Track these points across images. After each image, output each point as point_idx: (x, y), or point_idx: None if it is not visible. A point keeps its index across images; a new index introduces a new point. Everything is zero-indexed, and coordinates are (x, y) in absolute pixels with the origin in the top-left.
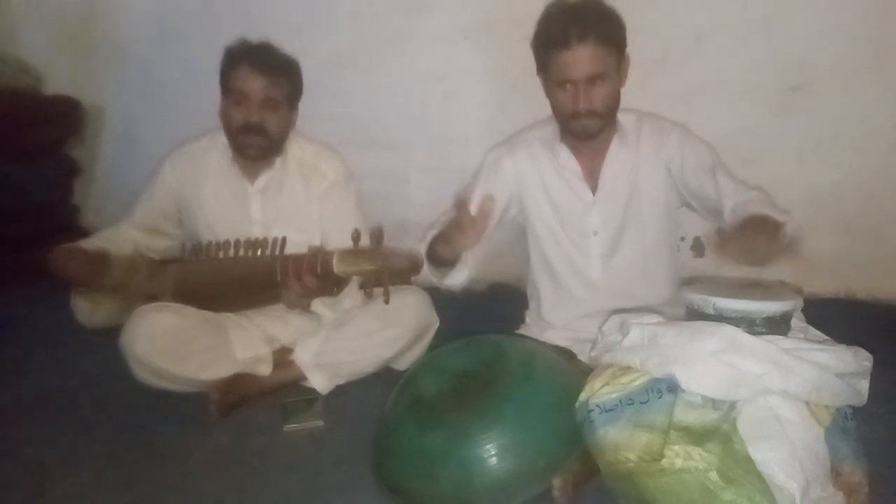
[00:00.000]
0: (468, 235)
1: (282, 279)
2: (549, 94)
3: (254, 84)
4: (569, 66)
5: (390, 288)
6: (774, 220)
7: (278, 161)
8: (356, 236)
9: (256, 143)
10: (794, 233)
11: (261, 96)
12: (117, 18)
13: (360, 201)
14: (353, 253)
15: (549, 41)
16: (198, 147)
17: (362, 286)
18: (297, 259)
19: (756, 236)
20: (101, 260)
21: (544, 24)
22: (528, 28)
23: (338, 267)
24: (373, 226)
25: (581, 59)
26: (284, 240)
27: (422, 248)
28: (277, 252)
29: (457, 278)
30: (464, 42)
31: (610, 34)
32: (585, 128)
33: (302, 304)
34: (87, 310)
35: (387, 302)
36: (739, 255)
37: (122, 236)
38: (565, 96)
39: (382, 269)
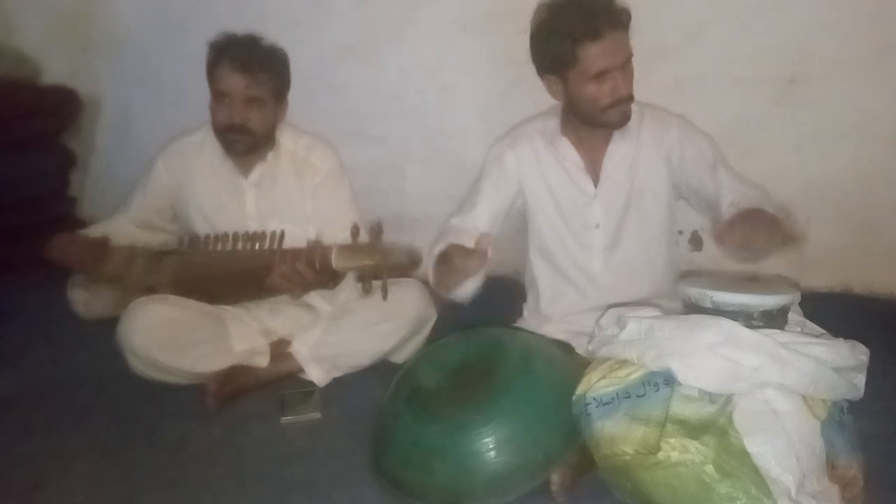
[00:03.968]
0: (470, 267)
1: (279, 272)
2: (577, 90)
3: (235, 84)
4: (605, 55)
5: (388, 280)
6: (772, 215)
7: (270, 155)
8: (355, 231)
9: (241, 141)
10: (794, 229)
11: (243, 96)
12: (114, 9)
13: (353, 193)
14: (352, 248)
15: (574, 36)
16: (190, 142)
17: (359, 279)
18: (296, 253)
19: (756, 227)
20: (101, 245)
21: (561, 21)
22: (526, 21)
23: (336, 262)
24: (372, 220)
25: (615, 45)
26: (283, 233)
27: (430, 273)
28: (276, 245)
29: (464, 292)
30: (462, 34)
31: (628, 16)
32: (624, 113)
33: (296, 293)
34: (85, 300)
35: (385, 298)
36: (741, 243)
37: (118, 229)
38: (602, 88)
39: (381, 265)
